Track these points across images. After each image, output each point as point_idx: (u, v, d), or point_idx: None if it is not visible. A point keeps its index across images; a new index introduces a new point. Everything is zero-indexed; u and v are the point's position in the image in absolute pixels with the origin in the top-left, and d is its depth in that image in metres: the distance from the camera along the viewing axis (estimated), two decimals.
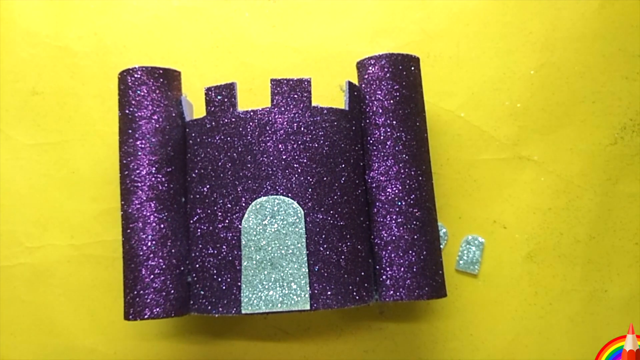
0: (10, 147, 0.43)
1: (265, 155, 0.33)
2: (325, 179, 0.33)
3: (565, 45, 0.42)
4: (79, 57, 0.43)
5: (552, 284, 0.41)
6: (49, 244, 0.42)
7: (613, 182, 0.42)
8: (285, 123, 0.33)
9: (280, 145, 0.33)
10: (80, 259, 0.41)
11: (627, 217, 0.41)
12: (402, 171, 0.35)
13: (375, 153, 0.35)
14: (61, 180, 0.42)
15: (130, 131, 0.35)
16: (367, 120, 0.36)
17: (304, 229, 0.32)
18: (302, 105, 0.33)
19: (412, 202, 0.35)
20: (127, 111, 0.35)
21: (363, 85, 0.36)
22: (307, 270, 0.32)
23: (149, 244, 0.33)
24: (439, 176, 0.42)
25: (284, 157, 0.33)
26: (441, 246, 0.41)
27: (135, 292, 0.33)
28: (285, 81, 0.33)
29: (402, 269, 0.34)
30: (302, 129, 0.33)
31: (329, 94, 0.40)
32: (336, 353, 0.41)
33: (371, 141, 0.35)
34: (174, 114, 0.36)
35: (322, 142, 0.33)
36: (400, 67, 0.35)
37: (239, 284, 0.32)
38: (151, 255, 0.33)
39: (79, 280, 0.41)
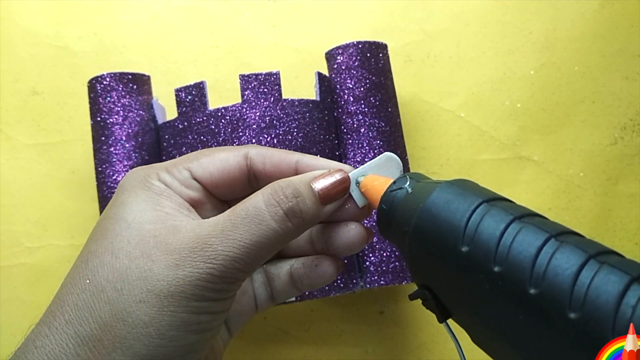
0: (10, 147, 0.43)
1: None
2: None
3: (565, 45, 0.42)
4: (79, 57, 0.43)
5: None
6: (49, 244, 0.42)
7: (613, 182, 0.42)
8: (257, 117, 0.33)
9: (254, 140, 0.33)
10: None
11: (627, 217, 0.41)
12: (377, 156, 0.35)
13: (350, 141, 0.36)
14: (61, 180, 0.42)
15: (103, 138, 0.35)
16: (340, 110, 0.36)
17: None
18: (272, 98, 0.33)
19: None
20: (98, 118, 0.35)
21: (333, 75, 0.37)
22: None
23: None
24: (439, 176, 0.42)
25: None
26: None
27: None
28: (254, 76, 0.33)
29: (385, 254, 0.34)
30: (275, 122, 0.33)
31: None
32: (336, 353, 0.41)
33: (345, 130, 0.36)
34: (146, 118, 0.36)
35: (295, 133, 0.33)
36: (369, 55, 0.36)
37: None
38: None
39: None
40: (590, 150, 0.42)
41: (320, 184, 0.24)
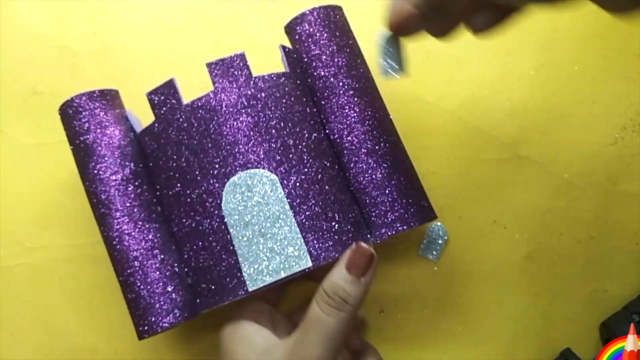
0: (10, 147, 0.43)
1: (223, 137, 0.33)
2: (288, 141, 0.33)
3: (565, 45, 0.42)
4: (79, 57, 0.43)
5: (552, 284, 0.41)
6: (49, 244, 0.42)
7: (613, 182, 0.42)
8: (232, 100, 0.33)
9: (235, 123, 0.33)
10: (80, 259, 0.41)
11: (627, 217, 0.41)
12: (359, 115, 0.35)
13: (329, 105, 0.36)
14: (61, 180, 0.42)
15: (87, 159, 0.35)
16: (310, 78, 0.36)
17: (282, 193, 0.32)
18: (243, 79, 0.33)
19: (377, 139, 0.35)
20: (77, 141, 0.35)
21: (297, 46, 0.37)
22: (298, 230, 0.32)
23: (139, 261, 0.33)
24: (439, 176, 0.42)
25: (241, 133, 0.33)
26: (440, 243, 0.41)
27: (141, 311, 0.33)
28: (220, 62, 0.33)
29: (388, 204, 0.34)
30: (251, 101, 0.33)
31: None
32: None
33: (320, 95, 0.36)
34: (123, 131, 0.36)
35: (273, 108, 0.33)
36: (326, 19, 0.36)
37: (238, 265, 0.32)
38: (144, 270, 0.33)
39: (79, 280, 0.41)
40: (590, 150, 0.42)
41: (349, 266, 0.30)
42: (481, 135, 0.42)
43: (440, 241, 0.41)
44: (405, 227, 0.34)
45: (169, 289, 0.33)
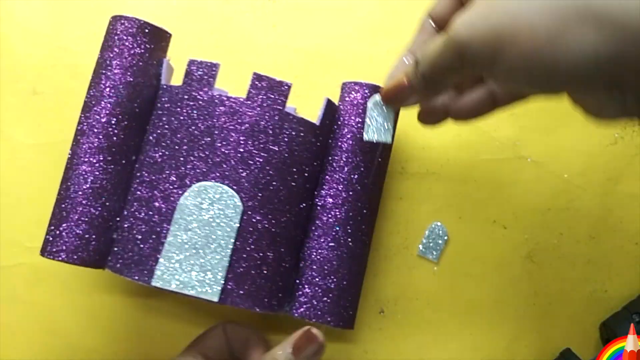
0: (10, 147, 0.43)
1: (224, 143, 0.33)
2: (274, 183, 0.33)
3: None
4: (79, 57, 0.43)
5: (552, 284, 0.41)
6: None
7: (613, 182, 0.42)
8: (253, 118, 0.33)
9: (241, 138, 0.33)
10: None
11: (627, 217, 0.41)
12: (349, 200, 0.35)
13: (331, 174, 0.36)
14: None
15: (102, 76, 0.34)
16: (334, 142, 0.36)
17: (237, 225, 0.32)
18: (274, 106, 0.33)
19: (349, 231, 0.35)
20: (106, 56, 0.35)
21: (341, 107, 0.37)
22: (227, 264, 0.32)
23: (85, 190, 0.33)
24: (439, 176, 0.42)
25: (241, 150, 0.33)
26: (440, 243, 0.41)
27: (58, 232, 0.33)
28: (266, 78, 0.33)
29: (320, 292, 0.35)
30: (268, 129, 0.33)
31: (328, 93, 0.40)
32: (336, 353, 0.41)
33: (331, 161, 0.36)
34: (151, 73, 0.35)
35: (282, 147, 0.33)
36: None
37: (158, 256, 0.32)
38: (84, 202, 0.33)
39: (79, 280, 0.41)
40: (590, 150, 0.42)
41: (296, 348, 0.30)
42: (481, 135, 0.42)
43: (440, 241, 0.41)
44: (319, 320, 0.34)
45: (92, 231, 0.33)
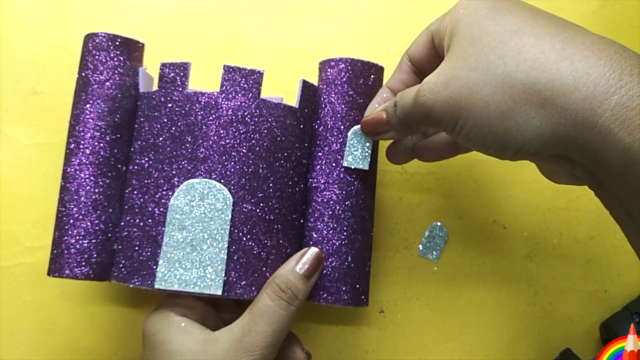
0: (10, 147, 0.43)
1: (205, 139, 0.33)
2: (261, 171, 0.33)
3: None
4: (79, 57, 0.43)
5: (552, 284, 0.41)
6: (49, 244, 0.42)
7: None
8: (230, 110, 0.33)
9: (221, 131, 0.33)
10: None
11: None
12: (341, 176, 0.35)
13: (320, 154, 0.35)
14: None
15: (82, 94, 0.35)
16: (318, 121, 0.36)
17: (229, 217, 0.32)
18: (250, 95, 0.33)
19: (346, 208, 0.35)
20: (83, 74, 0.35)
21: (320, 86, 0.36)
22: (225, 256, 0.32)
23: (81, 205, 0.34)
24: (439, 176, 0.42)
25: (223, 143, 0.33)
26: (440, 243, 0.41)
27: (59, 250, 0.34)
28: (237, 69, 0.33)
29: (325, 272, 0.34)
30: (247, 119, 0.33)
31: None
32: (336, 353, 0.41)
33: (318, 142, 0.36)
34: (128, 84, 0.36)
35: (264, 134, 0.33)
36: (359, 74, 0.35)
37: (158, 259, 0.32)
38: (80, 217, 0.34)
39: (79, 280, 0.41)
40: None
41: (301, 267, 0.32)
42: None
43: (440, 241, 0.41)
44: (329, 302, 0.34)
45: (92, 245, 0.34)
